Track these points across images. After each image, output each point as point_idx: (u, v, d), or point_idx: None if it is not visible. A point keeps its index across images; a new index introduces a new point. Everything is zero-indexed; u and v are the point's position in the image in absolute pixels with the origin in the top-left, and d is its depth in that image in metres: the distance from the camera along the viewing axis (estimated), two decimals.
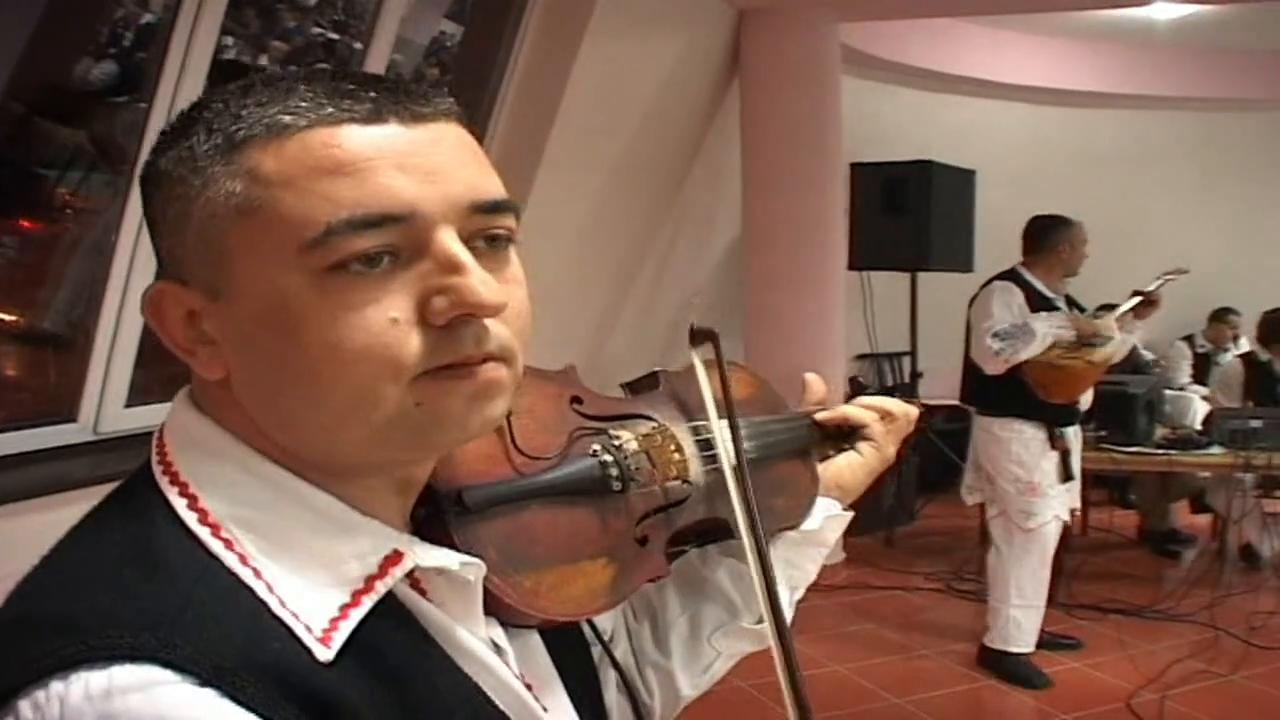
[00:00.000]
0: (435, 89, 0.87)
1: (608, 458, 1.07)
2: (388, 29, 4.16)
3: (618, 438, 1.10)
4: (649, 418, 1.17)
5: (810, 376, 1.44)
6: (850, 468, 1.37)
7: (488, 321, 0.82)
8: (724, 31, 6.45)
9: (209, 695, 0.69)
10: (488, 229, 0.84)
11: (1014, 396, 5.00)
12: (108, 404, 3.47)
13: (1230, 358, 7.77)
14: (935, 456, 7.78)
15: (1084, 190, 8.74)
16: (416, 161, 0.80)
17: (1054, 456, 5.06)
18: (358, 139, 0.79)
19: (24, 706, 0.69)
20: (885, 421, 1.40)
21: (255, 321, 0.80)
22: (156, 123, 3.30)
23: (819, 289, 6.56)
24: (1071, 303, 5.26)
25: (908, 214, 7.12)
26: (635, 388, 1.24)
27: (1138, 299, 5.19)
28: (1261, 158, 9.74)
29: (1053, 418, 5.06)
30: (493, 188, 0.85)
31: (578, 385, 1.13)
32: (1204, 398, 7.88)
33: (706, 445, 1.18)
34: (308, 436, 0.83)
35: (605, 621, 1.20)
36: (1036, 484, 5.03)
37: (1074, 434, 5.24)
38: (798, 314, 6.50)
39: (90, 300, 3.39)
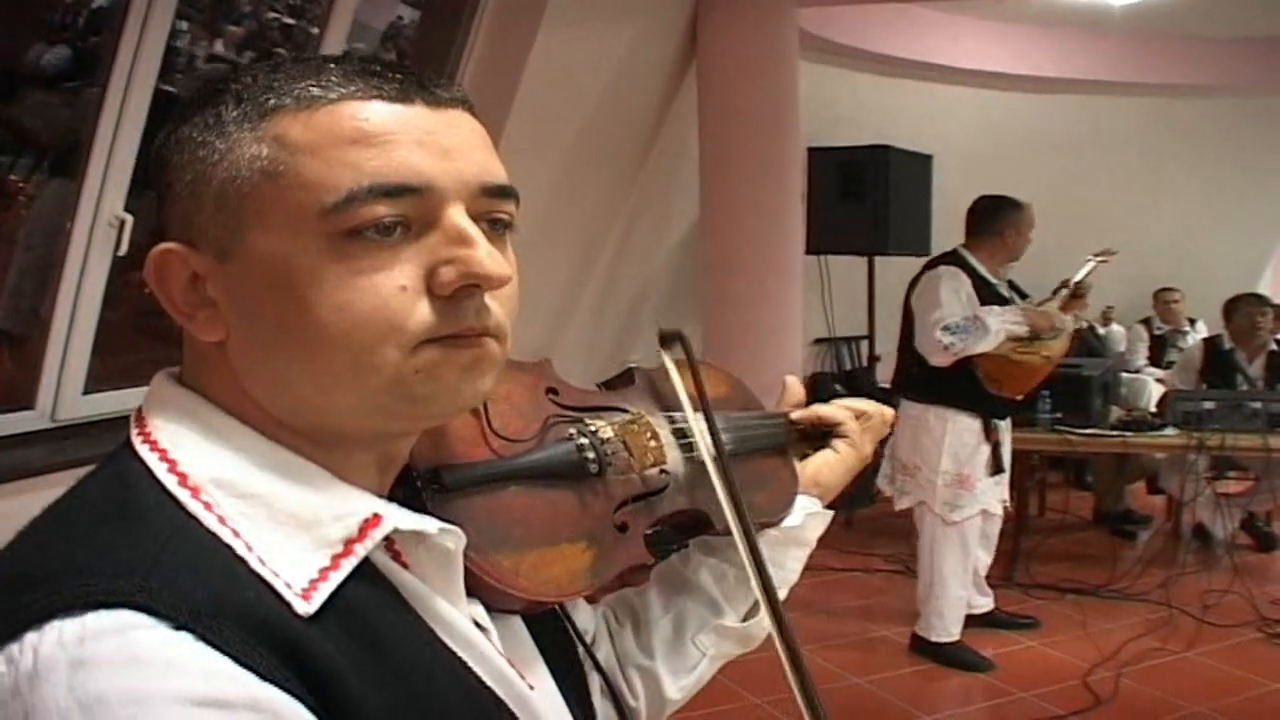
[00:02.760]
0: (449, 81, 0.91)
1: (584, 441, 1.08)
2: (344, 13, 4.14)
3: (593, 425, 1.10)
4: (624, 410, 1.17)
5: (790, 379, 1.46)
6: (828, 466, 1.38)
7: (486, 299, 0.86)
8: (681, 16, 6.44)
9: (185, 638, 0.70)
10: (492, 212, 0.88)
11: (955, 387, 4.92)
12: (65, 391, 3.45)
13: (1192, 341, 7.83)
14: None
15: (1039, 174, 8.80)
16: (436, 139, 0.85)
17: (986, 450, 5.04)
18: (384, 114, 0.83)
19: None
20: (860, 421, 1.42)
21: (265, 282, 0.82)
22: (111, 108, 3.28)
23: (776, 274, 6.57)
24: (1014, 288, 5.18)
25: (865, 199, 7.14)
26: (611, 384, 1.25)
27: (1065, 292, 5.16)
28: (1213, 143, 9.82)
29: (990, 410, 5.03)
30: (500, 173, 0.89)
31: (553, 377, 1.14)
32: (1160, 380, 7.96)
33: (682, 435, 1.19)
34: (301, 400, 0.85)
35: (587, 624, 1.20)
36: (967, 477, 5.01)
37: (1005, 426, 5.21)
38: (755, 299, 6.51)
39: (46, 287, 3.36)
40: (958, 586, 5.15)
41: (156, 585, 0.71)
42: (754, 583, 1.07)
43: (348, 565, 0.82)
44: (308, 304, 0.81)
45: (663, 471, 1.15)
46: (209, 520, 0.79)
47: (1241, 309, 7.04)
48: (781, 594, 1.28)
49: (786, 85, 6.53)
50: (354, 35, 4.26)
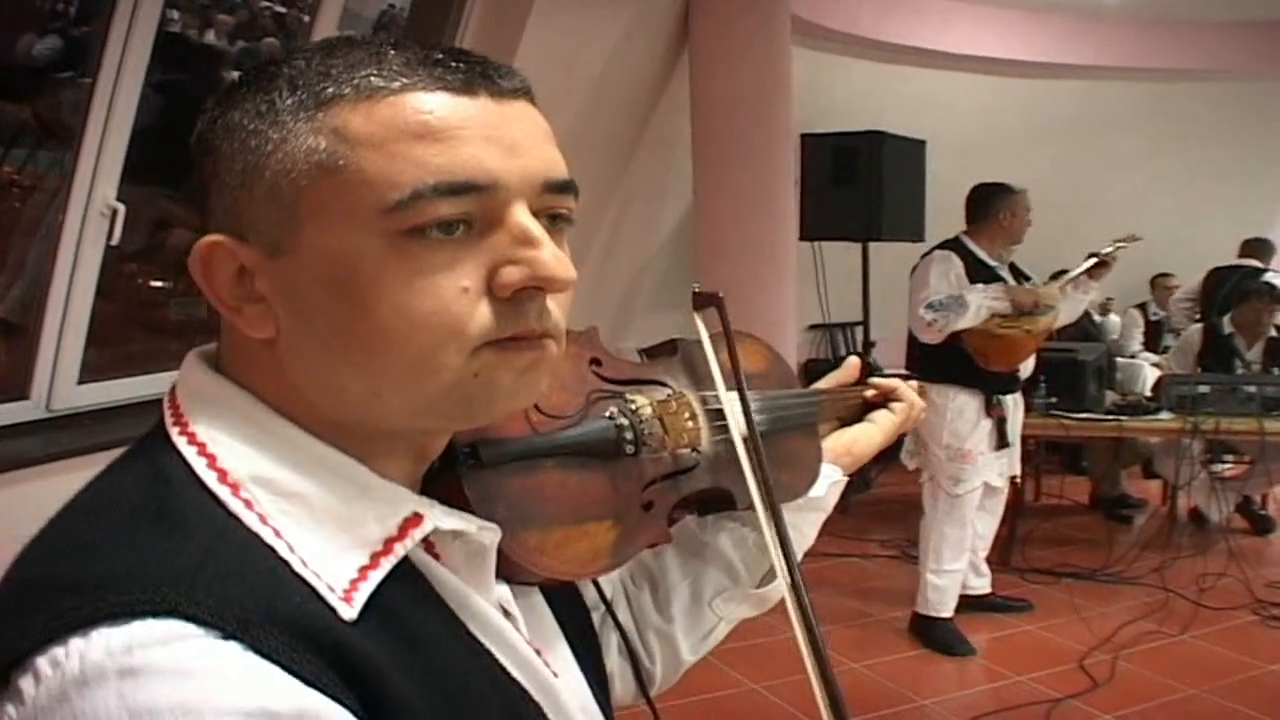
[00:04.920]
0: (512, 68, 0.88)
1: (623, 421, 1.07)
2: (335, 1, 4.12)
3: (633, 402, 1.10)
4: (665, 384, 1.18)
5: (850, 359, 1.52)
6: (866, 437, 1.42)
7: (547, 300, 0.84)
8: (673, 2, 6.43)
9: (233, 648, 0.69)
10: (554, 208, 0.86)
11: (953, 364, 5.04)
12: (59, 381, 3.44)
13: (1193, 328, 7.82)
14: None
15: (1033, 160, 8.79)
16: (501, 134, 0.82)
17: (987, 425, 5.13)
18: (449, 107, 0.80)
19: (42, 664, 0.68)
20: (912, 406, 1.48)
21: (320, 280, 0.80)
22: (102, 97, 3.27)
23: (771, 260, 6.56)
24: (1016, 271, 5.27)
25: (859, 184, 7.13)
26: (653, 354, 1.25)
27: (1092, 260, 5.22)
28: (1207, 128, 9.83)
29: (990, 386, 5.12)
30: (563, 167, 0.87)
31: (599, 347, 1.14)
32: (1156, 365, 7.96)
33: (718, 415, 1.19)
34: (352, 400, 0.83)
35: (606, 585, 1.21)
36: (968, 451, 5.10)
37: (1013, 402, 5.30)
38: (750, 285, 6.50)
39: (39, 278, 3.36)
40: (953, 561, 5.19)
41: (202, 595, 0.70)
42: (780, 573, 1.07)
43: (387, 564, 0.81)
44: (366, 304, 0.79)
45: (694, 450, 1.15)
46: (250, 520, 0.77)
47: (1251, 301, 7.04)
48: (798, 557, 1.29)
49: (779, 71, 6.51)
50: (345, 24, 4.25)
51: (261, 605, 0.72)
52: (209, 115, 0.84)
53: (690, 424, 1.15)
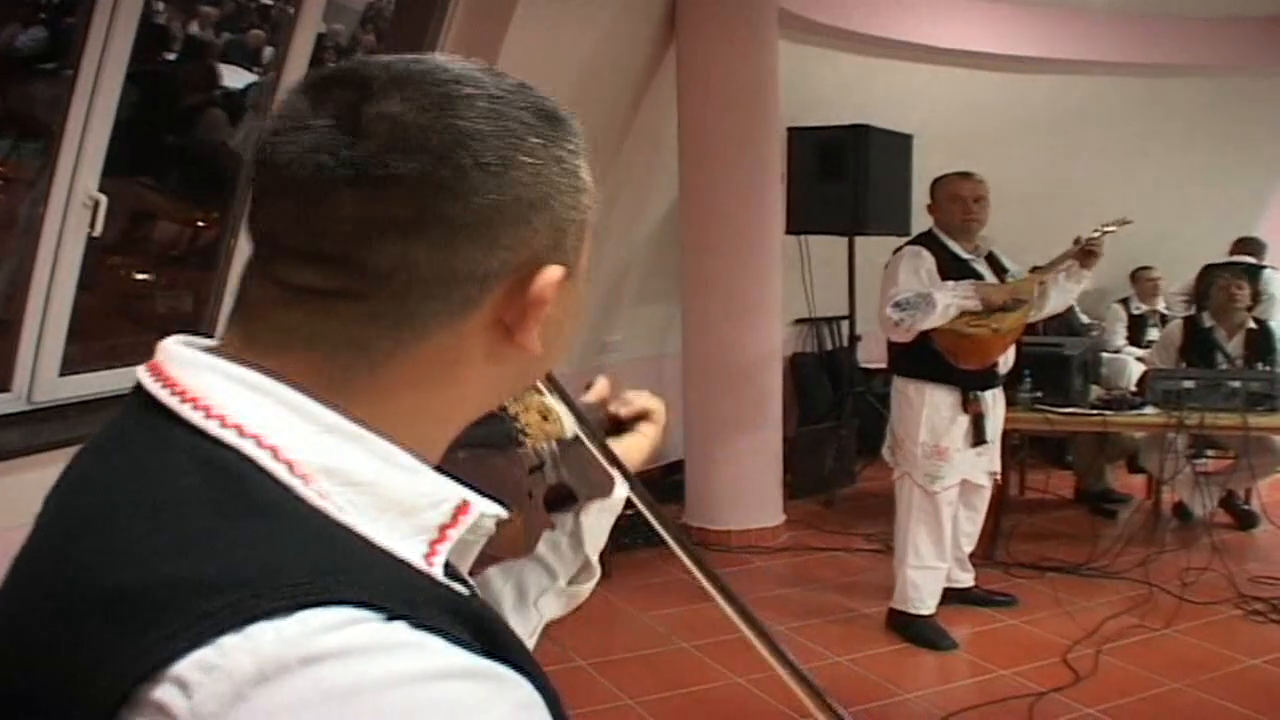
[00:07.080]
0: None
1: (507, 415, 1.18)
2: None
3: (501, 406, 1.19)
4: None
5: (600, 377, 1.63)
6: (637, 446, 1.53)
7: None
8: None
9: (406, 628, 0.67)
10: None
11: (928, 361, 5.02)
12: (41, 374, 3.43)
13: (1174, 322, 7.83)
14: (874, 420, 7.83)
15: (1020, 154, 8.80)
16: None
17: (964, 421, 5.09)
18: None
19: (188, 671, 0.63)
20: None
21: (577, 297, 0.95)
22: (84, 88, 3.25)
23: (757, 253, 6.57)
24: (995, 263, 5.21)
25: (845, 178, 7.13)
26: None
27: (1076, 248, 5.17)
28: (1193, 123, 9.83)
29: (967, 382, 5.07)
30: None
31: None
32: (1140, 359, 7.97)
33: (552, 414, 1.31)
34: (474, 408, 0.92)
35: None
36: (944, 448, 5.07)
37: (992, 398, 5.24)
38: (735, 279, 6.51)
39: (20, 270, 3.34)
40: (932, 558, 5.17)
41: (351, 579, 0.68)
42: (654, 523, 1.27)
43: (444, 551, 0.81)
44: (576, 314, 0.96)
45: (547, 446, 1.26)
46: (330, 510, 0.75)
47: (1216, 280, 7.05)
48: (594, 557, 1.45)
49: (766, 64, 6.52)
50: (331, 16, 4.24)
51: (407, 586, 0.71)
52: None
53: (544, 422, 1.27)
